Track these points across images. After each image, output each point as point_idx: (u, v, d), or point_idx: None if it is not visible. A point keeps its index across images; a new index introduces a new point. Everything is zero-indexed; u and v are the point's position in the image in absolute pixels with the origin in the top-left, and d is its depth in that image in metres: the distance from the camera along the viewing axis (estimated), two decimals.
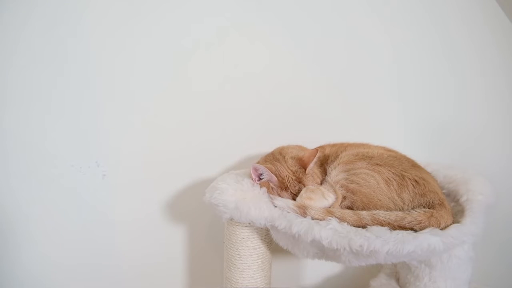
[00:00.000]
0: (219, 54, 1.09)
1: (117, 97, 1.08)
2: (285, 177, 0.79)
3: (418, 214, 0.70)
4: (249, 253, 0.90)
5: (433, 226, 0.69)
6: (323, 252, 0.72)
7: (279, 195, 0.79)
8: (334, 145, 0.92)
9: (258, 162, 0.89)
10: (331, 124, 1.15)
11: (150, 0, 1.04)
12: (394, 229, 0.68)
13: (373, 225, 0.69)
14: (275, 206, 0.75)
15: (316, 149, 0.81)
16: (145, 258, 1.15)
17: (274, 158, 0.85)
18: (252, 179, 0.83)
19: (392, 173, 0.76)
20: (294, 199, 0.77)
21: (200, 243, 1.18)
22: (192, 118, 1.11)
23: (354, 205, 0.75)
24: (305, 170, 0.79)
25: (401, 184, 0.75)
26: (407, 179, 0.76)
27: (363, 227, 0.70)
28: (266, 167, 0.80)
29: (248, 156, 1.13)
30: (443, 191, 0.85)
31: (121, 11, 1.04)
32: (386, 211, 0.72)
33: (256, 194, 0.80)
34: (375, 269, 1.01)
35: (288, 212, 0.73)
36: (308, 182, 0.79)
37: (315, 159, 0.79)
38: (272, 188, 0.81)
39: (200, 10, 1.06)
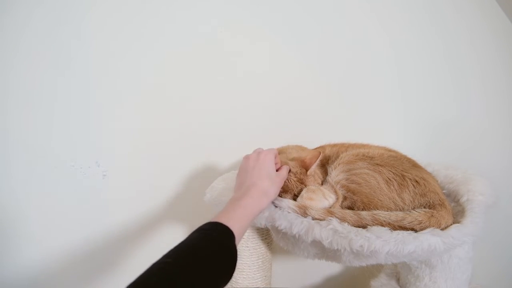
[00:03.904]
0: (220, 55, 1.09)
1: (117, 97, 1.08)
2: (288, 179, 0.79)
3: (419, 214, 0.70)
4: (250, 253, 0.90)
5: (433, 226, 0.69)
6: (324, 252, 0.72)
7: (279, 196, 0.78)
8: (334, 145, 0.92)
9: None
10: (331, 124, 1.15)
11: (153, 2, 1.04)
12: (395, 229, 0.68)
13: (374, 225, 0.69)
14: (276, 206, 0.75)
15: (319, 152, 0.81)
16: (145, 258, 1.15)
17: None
18: None
19: (393, 173, 0.76)
20: (294, 199, 0.77)
21: None
22: (192, 119, 1.12)
23: (354, 205, 0.75)
24: (307, 171, 0.79)
25: (401, 184, 0.75)
26: (408, 179, 0.75)
27: (364, 227, 0.69)
28: None
29: None
30: (444, 191, 0.85)
31: (124, 13, 1.04)
32: (387, 211, 0.72)
33: None
34: (376, 269, 1.01)
35: (289, 212, 0.73)
36: (309, 183, 0.79)
37: (317, 161, 0.79)
38: None
39: (203, 11, 1.07)
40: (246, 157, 0.77)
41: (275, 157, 0.78)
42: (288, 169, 0.79)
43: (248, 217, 0.65)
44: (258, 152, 0.76)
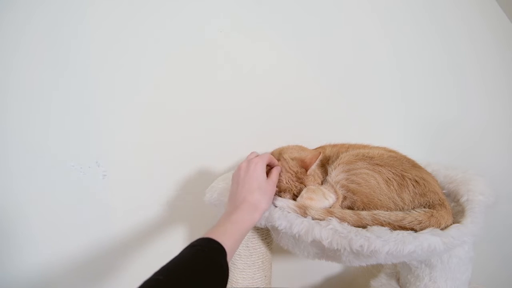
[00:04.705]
0: (220, 55, 1.09)
1: (118, 98, 1.08)
2: (286, 178, 0.79)
3: (419, 214, 0.70)
4: (250, 253, 0.90)
5: (433, 226, 0.69)
6: (324, 252, 0.72)
7: (279, 196, 0.78)
8: (335, 145, 0.92)
9: None
10: (331, 124, 1.15)
11: (152, 1, 1.04)
12: (395, 229, 0.68)
13: (374, 225, 0.69)
14: (276, 206, 0.75)
15: (319, 152, 0.81)
16: (145, 258, 1.15)
17: None
18: None
19: (393, 173, 0.76)
20: (294, 199, 0.77)
21: None
22: (192, 119, 1.12)
23: (354, 205, 0.75)
24: (307, 171, 0.79)
25: (401, 184, 0.75)
26: (408, 179, 0.76)
27: (364, 227, 0.70)
28: None
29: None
30: (444, 191, 0.85)
31: (123, 12, 1.04)
32: (387, 211, 0.72)
33: None
34: (376, 269, 1.01)
35: (289, 212, 0.73)
36: (309, 182, 0.79)
37: (317, 161, 0.79)
38: None
39: (203, 11, 1.06)
40: (238, 167, 0.77)
41: (269, 161, 0.78)
42: (279, 170, 0.78)
43: (240, 232, 0.65)
44: (249, 161, 0.76)
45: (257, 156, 0.78)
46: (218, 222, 0.66)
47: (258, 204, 0.69)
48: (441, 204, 0.74)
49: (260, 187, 0.71)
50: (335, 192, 0.76)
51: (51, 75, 1.04)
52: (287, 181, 0.78)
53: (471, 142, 1.14)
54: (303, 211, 0.73)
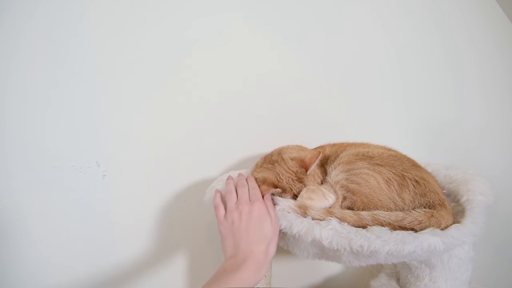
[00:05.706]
0: (221, 55, 1.09)
1: (118, 97, 1.08)
2: (285, 179, 0.79)
3: (419, 214, 0.70)
4: None
5: (433, 226, 0.69)
6: (324, 252, 0.72)
7: (280, 196, 0.78)
8: (334, 145, 0.92)
9: (257, 164, 0.89)
10: (332, 125, 1.15)
11: (152, 1, 1.04)
12: (395, 229, 0.68)
13: (374, 225, 0.69)
14: (275, 204, 0.75)
15: (318, 152, 0.81)
16: (145, 258, 1.15)
17: (273, 160, 0.84)
18: None
19: (393, 173, 0.76)
20: (294, 199, 0.77)
21: (200, 243, 1.18)
22: (192, 119, 1.11)
23: (354, 205, 0.75)
24: (306, 171, 0.79)
25: (401, 184, 0.75)
26: (408, 179, 0.76)
27: (364, 227, 0.70)
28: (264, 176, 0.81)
29: (248, 156, 1.13)
30: (444, 191, 0.85)
31: (123, 12, 1.04)
32: (387, 211, 0.72)
33: None
34: (376, 269, 1.01)
35: (289, 212, 0.73)
36: (309, 182, 0.79)
37: (317, 161, 0.79)
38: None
39: (203, 11, 1.06)
40: (239, 211, 0.71)
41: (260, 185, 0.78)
42: (269, 198, 0.76)
43: None
44: (249, 205, 0.72)
45: (255, 196, 0.75)
46: (219, 277, 0.62)
47: (265, 258, 0.67)
48: (441, 204, 0.74)
49: (265, 236, 0.69)
50: (335, 192, 0.76)
51: (50, 74, 1.04)
52: (287, 181, 0.78)
53: (471, 142, 1.14)
54: (303, 211, 0.73)
